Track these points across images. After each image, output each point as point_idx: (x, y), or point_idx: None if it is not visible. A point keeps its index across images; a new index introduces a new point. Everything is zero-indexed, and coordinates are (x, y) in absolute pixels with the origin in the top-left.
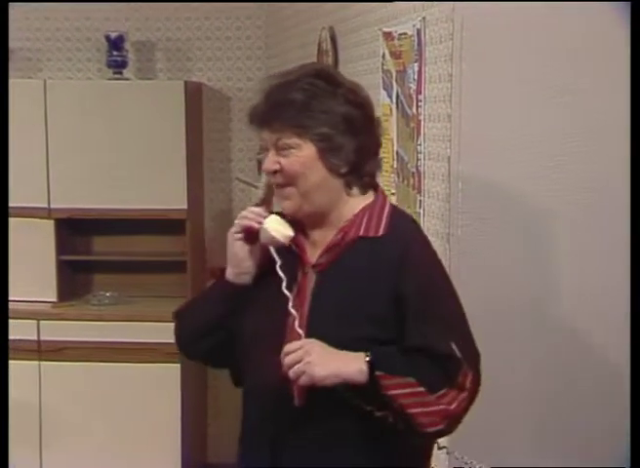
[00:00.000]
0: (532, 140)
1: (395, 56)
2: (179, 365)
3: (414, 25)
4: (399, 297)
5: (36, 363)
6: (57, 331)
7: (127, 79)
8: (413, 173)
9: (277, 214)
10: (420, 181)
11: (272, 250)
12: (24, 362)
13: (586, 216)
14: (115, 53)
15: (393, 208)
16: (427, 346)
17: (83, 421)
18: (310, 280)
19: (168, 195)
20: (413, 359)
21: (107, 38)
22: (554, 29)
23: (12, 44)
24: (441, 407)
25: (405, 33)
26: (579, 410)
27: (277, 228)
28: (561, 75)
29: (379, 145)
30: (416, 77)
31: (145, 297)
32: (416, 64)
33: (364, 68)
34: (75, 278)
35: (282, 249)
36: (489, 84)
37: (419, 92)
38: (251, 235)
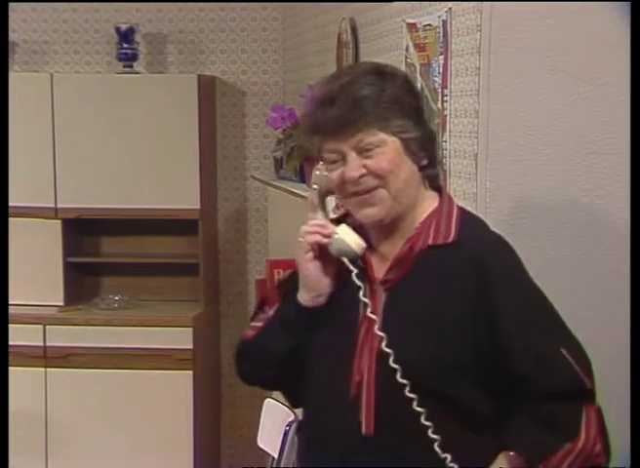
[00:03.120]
0: (564, 136)
1: (419, 48)
2: (191, 372)
3: (439, 16)
4: (492, 321)
5: (42, 369)
6: (63, 337)
7: (137, 73)
8: None
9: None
10: (445, 180)
11: (346, 260)
12: (30, 368)
13: (622, 216)
14: (125, 45)
15: (462, 210)
16: (555, 389)
17: (90, 430)
18: (380, 298)
19: (180, 194)
20: (551, 420)
21: (117, 30)
22: (587, 20)
23: (17, 36)
24: (594, 447)
25: (430, 24)
26: None
27: (352, 238)
28: (596, 67)
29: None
30: (441, 70)
31: (156, 301)
32: (441, 57)
33: (386, 61)
34: (83, 281)
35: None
36: (519, 77)
37: (444, 86)
38: (322, 251)
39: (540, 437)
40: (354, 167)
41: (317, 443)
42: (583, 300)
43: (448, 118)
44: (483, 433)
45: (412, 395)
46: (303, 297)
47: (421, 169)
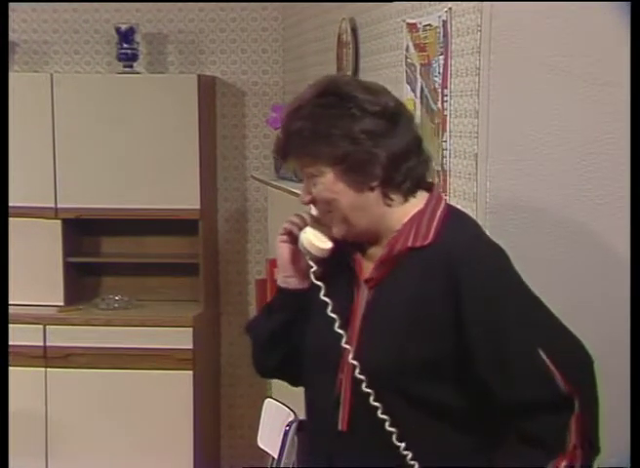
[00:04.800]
0: (565, 136)
1: (419, 48)
2: (191, 372)
3: (439, 16)
4: (460, 324)
5: (42, 369)
6: (63, 337)
7: (137, 73)
8: (437, 171)
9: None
10: (444, 180)
11: (307, 257)
12: (30, 368)
13: (623, 216)
14: (125, 45)
15: (448, 210)
16: (527, 403)
17: (90, 430)
18: (363, 296)
19: (180, 194)
20: (532, 437)
21: (117, 30)
22: (587, 20)
23: (18, 36)
24: (573, 459)
25: (430, 24)
26: None
27: (311, 240)
28: (596, 67)
29: (416, 144)
30: (441, 70)
31: (156, 301)
32: (441, 57)
33: (386, 61)
34: (83, 281)
35: (340, 262)
36: (519, 77)
37: (444, 86)
38: (295, 238)
39: (524, 459)
40: (302, 193)
41: (311, 441)
42: (583, 300)
43: (448, 118)
44: (464, 430)
45: (369, 390)
46: (278, 277)
47: (374, 188)
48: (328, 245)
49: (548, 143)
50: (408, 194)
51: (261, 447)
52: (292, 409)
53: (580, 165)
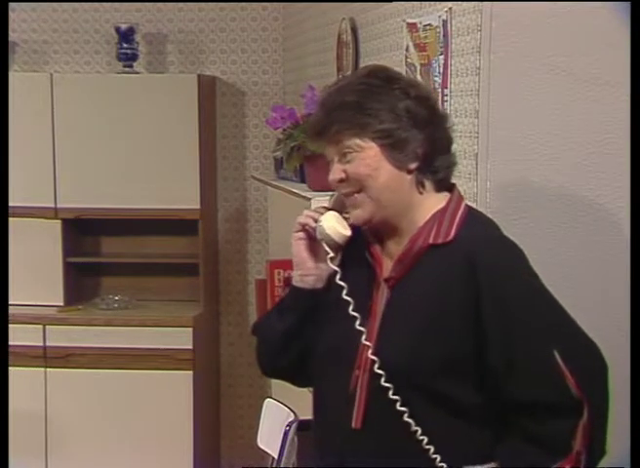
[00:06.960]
0: (564, 136)
1: (420, 48)
2: (191, 372)
3: (439, 16)
4: (478, 322)
5: (42, 370)
6: (63, 337)
7: (137, 73)
8: None
9: (336, 211)
10: None
11: (324, 244)
12: (30, 369)
13: (623, 216)
14: (125, 45)
15: (468, 210)
16: (537, 404)
17: (90, 430)
18: (383, 295)
19: (180, 194)
20: (538, 438)
21: (117, 30)
22: (587, 20)
23: (17, 36)
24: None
25: (430, 24)
26: None
27: (333, 226)
28: (596, 67)
29: (450, 141)
30: (441, 70)
31: (156, 301)
32: (441, 57)
33: (387, 61)
34: (83, 281)
35: (359, 260)
36: (519, 77)
37: (444, 86)
38: (311, 234)
39: (528, 459)
40: (335, 171)
41: (320, 440)
42: (584, 300)
43: None
44: (481, 426)
45: (389, 387)
46: (294, 276)
47: (412, 171)
48: (348, 231)
49: (548, 143)
50: (440, 186)
51: (261, 447)
52: (292, 409)
53: (581, 165)
